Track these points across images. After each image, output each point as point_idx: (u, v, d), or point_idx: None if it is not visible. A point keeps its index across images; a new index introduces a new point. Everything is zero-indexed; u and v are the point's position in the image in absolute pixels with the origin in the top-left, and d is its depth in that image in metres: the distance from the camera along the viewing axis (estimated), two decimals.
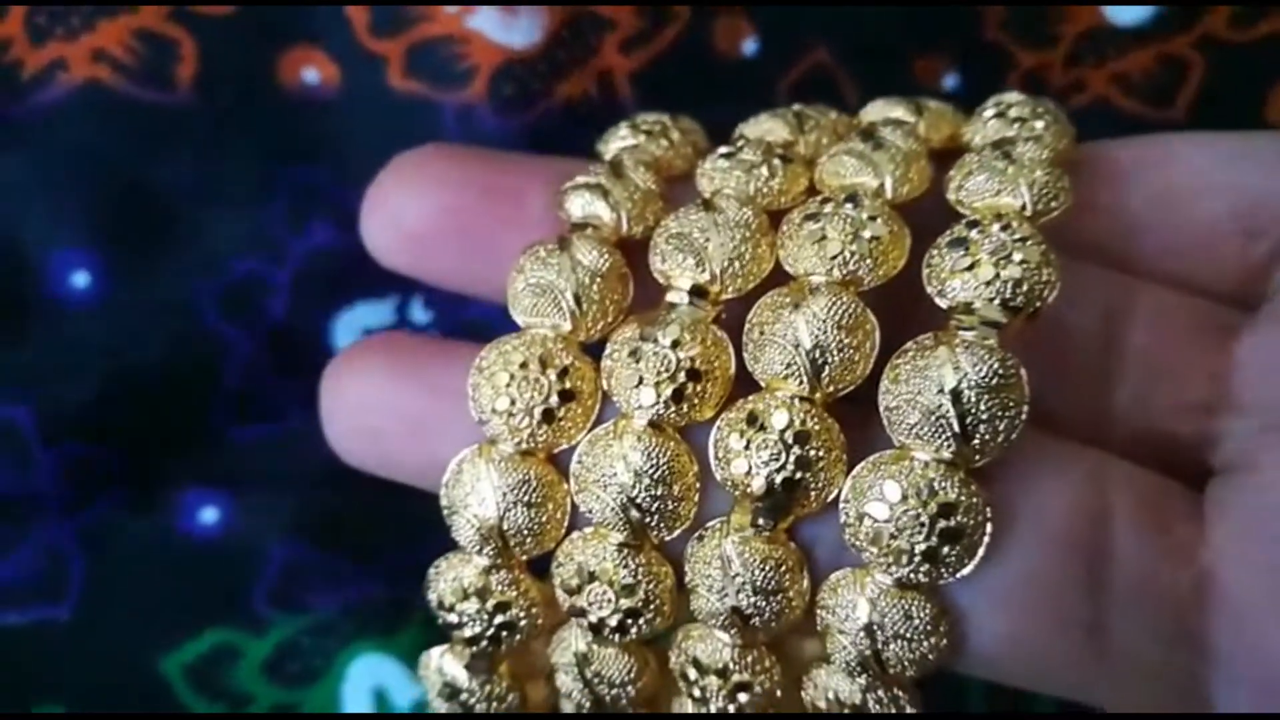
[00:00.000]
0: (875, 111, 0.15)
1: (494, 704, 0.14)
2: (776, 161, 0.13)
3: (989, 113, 0.15)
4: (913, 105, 0.15)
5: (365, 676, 0.22)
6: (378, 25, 0.23)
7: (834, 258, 0.12)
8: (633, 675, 0.13)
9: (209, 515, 0.23)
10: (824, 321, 0.12)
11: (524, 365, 0.13)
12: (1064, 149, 0.14)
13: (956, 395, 0.12)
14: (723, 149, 0.14)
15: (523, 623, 0.13)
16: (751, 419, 0.12)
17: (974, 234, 0.12)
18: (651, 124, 0.16)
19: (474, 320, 0.24)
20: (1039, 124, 0.14)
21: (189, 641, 0.22)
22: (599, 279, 0.13)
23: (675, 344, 0.12)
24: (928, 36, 0.24)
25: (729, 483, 0.13)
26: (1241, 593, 0.13)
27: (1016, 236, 0.12)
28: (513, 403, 0.13)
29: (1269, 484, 0.13)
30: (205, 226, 0.23)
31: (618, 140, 0.15)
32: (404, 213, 0.14)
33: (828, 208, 0.13)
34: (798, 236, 0.13)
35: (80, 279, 0.23)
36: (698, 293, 0.13)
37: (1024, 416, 0.12)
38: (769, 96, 0.24)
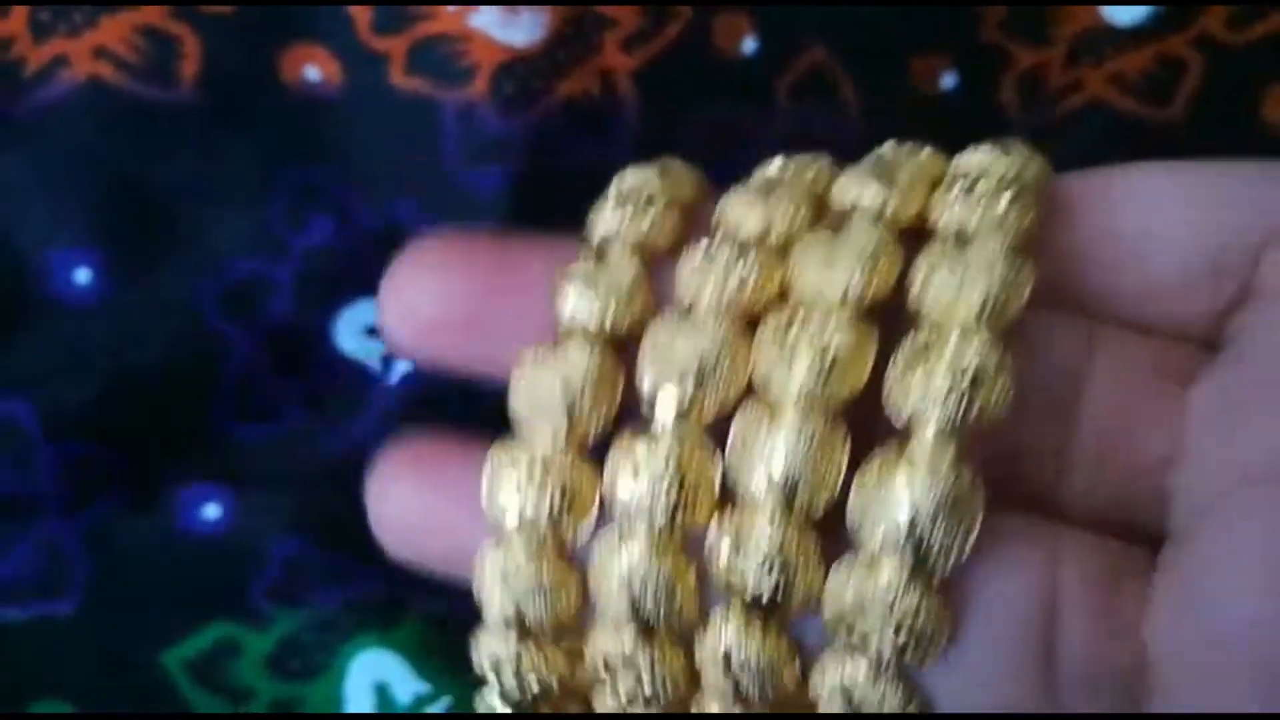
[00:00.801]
0: (846, 191, 0.15)
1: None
2: (746, 262, 0.14)
3: (954, 192, 0.15)
4: (885, 180, 0.15)
5: (367, 671, 0.22)
6: (380, 23, 0.23)
7: (799, 385, 0.13)
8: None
9: (210, 512, 0.24)
10: (795, 446, 0.13)
11: (529, 473, 0.14)
12: (1027, 227, 0.14)
13: (912, 524, 0.13)
14: (700, 249, 0.15)
15: (554, 686, 0.15)
16: (735, 539, 0.14)
17: (931, 343, 0.14)
18: (637, 193, 0.16)
19: None
20: (1002, 202, 0.14)
21: (191, 637, 0.23)
22: (589, 385, 0.14)
23: (664, 464, 0.14)
24: (925, 36, 0.24)
25: (723, 585, 0.14)
26: (1175, 672, 0.13)
27: (973, 349, 0.13)
28: (521, 510, 0.14)
29: (1209, 557, 0.13)
30: (207, 225, 0.24)
31: (603, 223, 0.16)
32: (417, 309, 0.16)
33: (793, 330, 0.14)
34: (767, 357, 0.14)
35: (81, 277, 0.23)
36: (682, 411, 0.14)
37: (975, 533, 0.13)
38: (768, 94, 0.24)
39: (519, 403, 0.15)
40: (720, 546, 0.14)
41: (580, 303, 0.15)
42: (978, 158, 0.15)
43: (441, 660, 0.23)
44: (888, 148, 0.17)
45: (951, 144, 0.25)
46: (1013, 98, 0.24)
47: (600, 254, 0.15)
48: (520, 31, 0.23)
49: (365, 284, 0.24)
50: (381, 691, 0.22)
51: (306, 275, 0.24)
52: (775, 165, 0.17)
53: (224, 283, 0.24)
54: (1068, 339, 0.15)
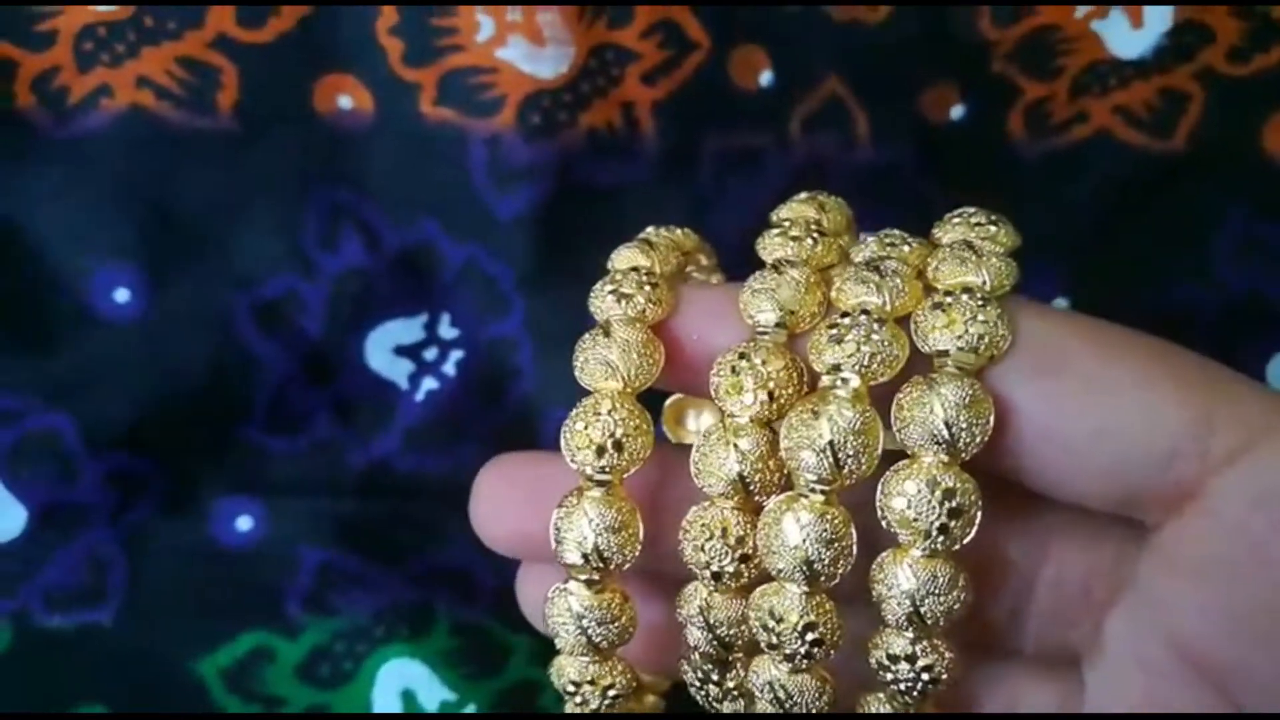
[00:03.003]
0: (849, 297, 0.16)
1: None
2: (766, 389, 0.16)
3: (928, 307, 0.16)
4: (875, 283, 0.16)
5: (394, 679, 0.23)
6: (411, 55, 0.24)
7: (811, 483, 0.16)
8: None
9: (244, 523, 0.24)
10: (811, 536, 0.16)
11: (587, 517, 0.17)
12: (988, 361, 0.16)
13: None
14: (728, 360, 0.16)
15: (625, 694, 0.18)
16: (772, 614, 0.16)
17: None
18: (634, 275, 0.17)
19: (496, 338, 0.25)
20: (973, 331, 0.16)
21: (225, 645, 0.23)
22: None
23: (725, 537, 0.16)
24: (936, 69, 0.25)
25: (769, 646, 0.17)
26: None
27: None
28: (581, 548, 0.17)
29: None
30: (242, 245, 0.24)
31: (606, 308, 0.17)
32: (498, 533, 0.19)
33: (813, 428, 0.16)
34: (790, 451, 0.16)
35: (121, 295, 0.24)
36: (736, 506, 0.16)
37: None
38: (784, 125, 0.25)
39: (559, 547, 0.17)
40: (760, 617, 0.16)
41: (588, 458, 0.17)
42: (952, 272, 0.16)
43: (467, 668, 0.23)
44: (873, 243, 0.17)
45: (961, 172, 0.26)
46: (1020, 128, 0.25)
47: (598, 402, 0.17)
48: (546, 64, 0.24)
49: (394, 305, 0.25)
50: (408, 698, 0.23)
51: (337, 295, 0.25)
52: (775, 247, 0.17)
53: (257, 300, 0.24)
54: (1026, 541, 0.17)
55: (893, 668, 0.16)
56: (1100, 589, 0.17)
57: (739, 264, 0.18)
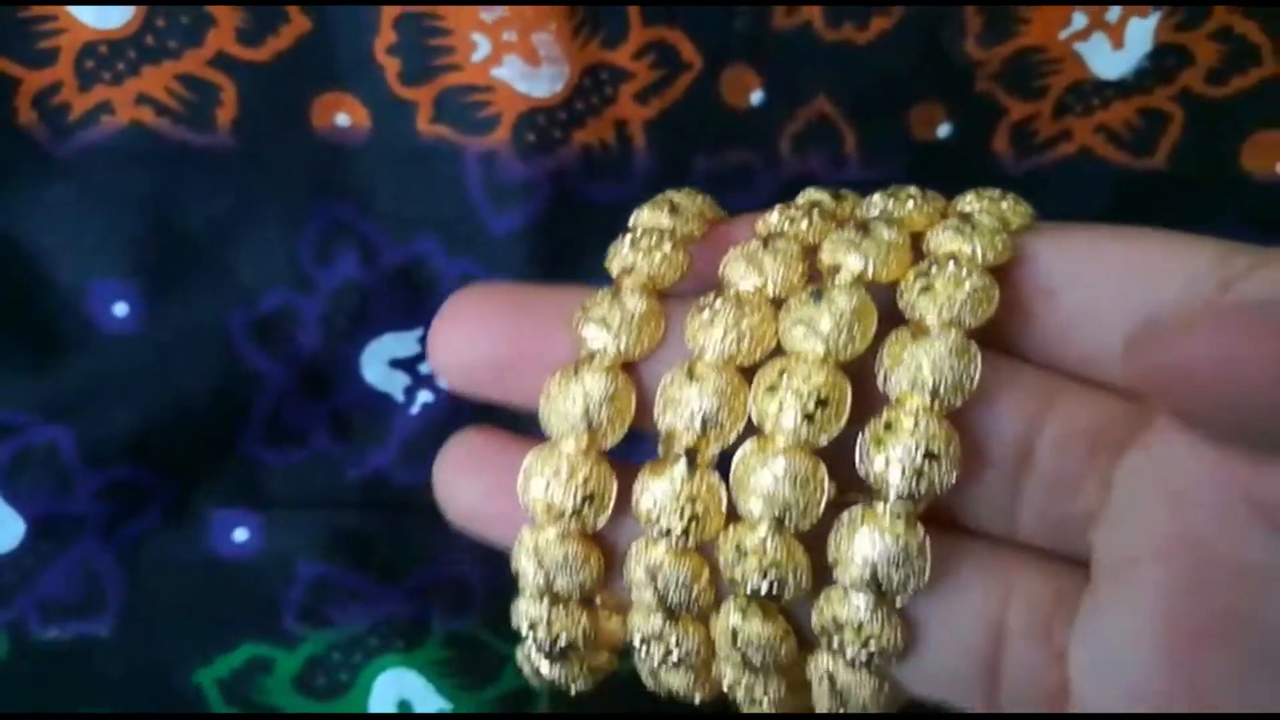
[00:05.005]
0: (831, 254, 0.17)
1: (574, 680, 0.18)
2: (745, 325, 0.16)
3: (919, 282, 0.16)
4: (864, 248, 0.16)
5: (390, 689, 0.23)
6: (408, 74, 0.24)
7: (789, 427, 0.16)
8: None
9: (240, 535, 0.25)
10: (783, 480, 0.16)
11: (555, 474, 0.17)
12: (980, 319, 0.16)
13: (874, 569, 0.16)
14: (704, 305, 0.17)
15: (579, 642, 0.18)
16: (738, 548, 0.16)
17: (893, 422, 0.16)
18: (649, 233, 0.18)
19: None
20: (959, 298, 0.16)
21: (222, 656, 0.24)
22: (606, 403, 0.16)
23: (678, 494, 0.16)
24: (923, 88, 0.25)
25: (729, 580, 0.17)
26: (1083, 704, 0.16)
27: (923, 433, 0.16)
28: (549, 504, 0.17)
29: (1117, 612, 0.15)
30: (239, 260, 0.25)
31: (619, 260, 0.18)
32: (458, 355, 0.18)
33: (783, 380, 0.16)
34: (761, 404, 0.16)
35: (119, 309, 0.24)
36: (692, 449, 0.16)
37: (926, 574, 0.16)
38: (774, 143, 0.25)
39: (546, 418, 0.17)
40: (727, 552, 0.16)
41: (597, 337, 0.17)
42: (948, 239, 0.16)
43: (462, 678, 0.24)
44: (878, 197, 0.18)
45: (947, 189, 0.26)
46: (1005, 146, 0.26)
47: (616, 290, 0.17)
48: (541, 83, 0.24)
49: (390, 318, 0.26)
50: (404, 708, 0.23)
51: (334, 309, 0.25)
52: (774, 217, 0.18)
53: (256, 314, 0.25)
54: (1026, 401, 0.16)
55: (839, 632, 0.16)
56: (1109, 439, 0.16)
57: None
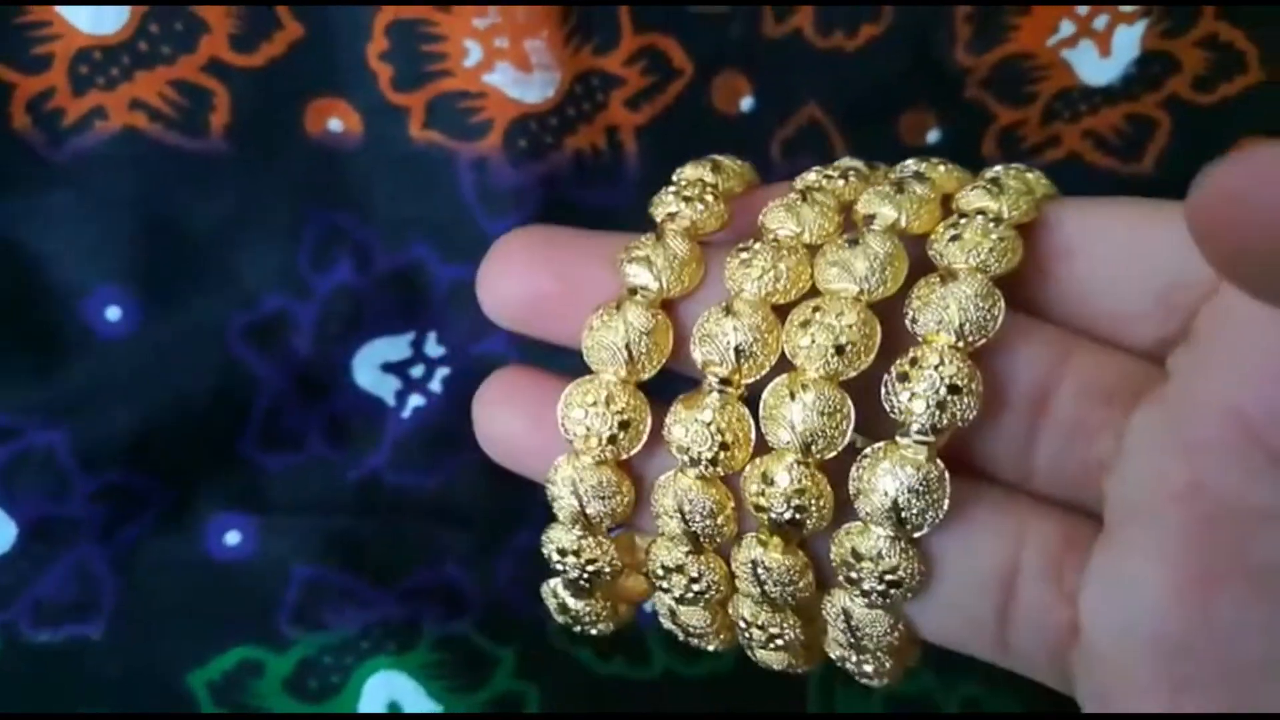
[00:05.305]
0: (866, 205, 0.17)
1: (597, 619, 0.19)
2: (783, 266, 0.17)
3: (948, 233, 0.17)
4: (898, 201, 0.17)
5: (381, 691, 0.24)
6: (400, 80, 0.24)
7: (819, 360, 0.16)
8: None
9: (234, 538, 0.25)
10: (811, 410, 0.16)
11: (594, 403, 0.17)
12: (1005, 268, 0.17)
13: (895, 502, 0.16)
14: (743, 248, 0.17)
15: (606, 571, 0.18)
16: (764, 477, 0.17)
17: (919, 358, 0.16)
18: (691, 184, 0.18)
19: (483, 354, 0.26)
20: (984, 248, 0.17)
21: (214, 658, 0.24)
22: (646, 335, 0.17)
23: (709, 424, 0.17)
24: (912, 95, 0.25)
25: (753, 510, 0.17)
26: (1093, 644, 0.16)
27: (948, 370, 0.16)
28: (587, 430, 0.17)
29: (1131, 553, 0.16)
30: (234, 264, 0.25)
31: (663, 206, 0.18)
32: (506, 292, 0.18)
33: (815, 316, 0.16)
34: (794, 338, 0.17)
35: (114, 313, 0.25)
36: (725, 380, 0.17)
37: (944, 507, 0.16)
38: (764, 149, 0.25)
39: (588, 349, 0.18)
40: (753, 482, 0.17)
41: (639, 274, 0.17)
42: (976, 196, 0.17)
43: (452, 681, 0.24)
44: (911, 162, 0.19)
45: None
46: (994, 151, 0.26)
47: (659, 233, 0.18)
48: (533, 90, 0.24)
49: (382, 323, 0.26)
50: (394, 710, 0.24)
51: (328, 313, 0.25)
52: (811, 175, 0.19)
53: (251, 318, 0.25)
54: (1050, 345, 0.17)
55: (857, 565, 0.17)
56: (1125, 390, 0.16)
57: None
